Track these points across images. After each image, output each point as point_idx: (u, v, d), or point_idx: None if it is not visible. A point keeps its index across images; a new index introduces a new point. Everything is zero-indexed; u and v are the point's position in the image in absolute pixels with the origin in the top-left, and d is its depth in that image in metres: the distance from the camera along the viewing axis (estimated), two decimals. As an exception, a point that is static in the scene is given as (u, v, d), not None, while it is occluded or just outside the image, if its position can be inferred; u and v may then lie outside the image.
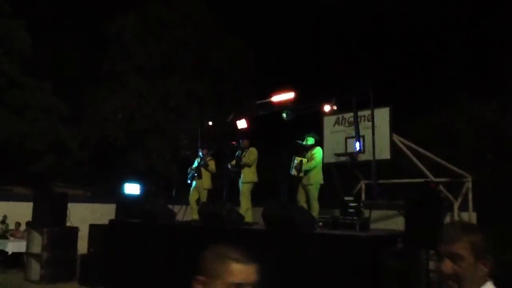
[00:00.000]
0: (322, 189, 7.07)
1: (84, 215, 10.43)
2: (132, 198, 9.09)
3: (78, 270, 8.53)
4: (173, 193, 9.10)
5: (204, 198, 8.30)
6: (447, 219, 8.34)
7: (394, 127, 7.37)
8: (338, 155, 7.64)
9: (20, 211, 10.39)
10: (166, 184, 15.50)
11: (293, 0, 19.53)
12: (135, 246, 7.72)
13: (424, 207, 5.82)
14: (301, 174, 7.01)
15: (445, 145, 13.39)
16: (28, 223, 9.54)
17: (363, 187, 9.35)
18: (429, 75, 16.41)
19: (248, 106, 8.93)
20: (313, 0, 18.99)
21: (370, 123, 6.95)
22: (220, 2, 18.07)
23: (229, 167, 7.68)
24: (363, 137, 7.15)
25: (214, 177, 8.48)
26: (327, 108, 7.52)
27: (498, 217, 4.62)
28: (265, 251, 5.69)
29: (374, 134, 6.76)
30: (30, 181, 15.43)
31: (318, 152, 7.14)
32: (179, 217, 8.38)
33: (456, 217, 8.45)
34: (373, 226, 6.95)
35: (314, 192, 6.94)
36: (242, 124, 8.44)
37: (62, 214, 8.85)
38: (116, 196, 9.45)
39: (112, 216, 9.03)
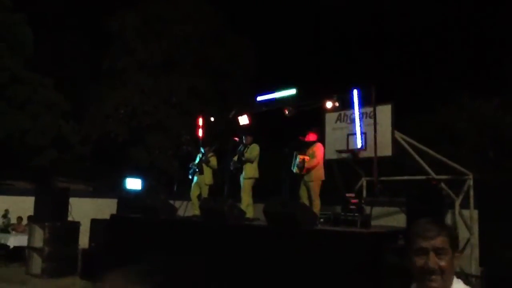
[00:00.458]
0: (324, 185, 7.07)
1: (86, 210, 10.46)
2: (133, 193, 9.11)
3: (80, 265, 8.57)
4: (175, 189, 9.10)
5: (205, 193, 8.30)
6: (448, 216, 8.35)
7: (396, 125, 7.36)
8: (339, 151, 7.63)
9: (22, 206, 10.43)
10: (168, 180, 15.53)
11: (296, -2, 19.50)
12: (137, 241, 7.74)
13: (426, 204, 5.83)
14: (304, 172, 7.00)
15: (446, 143, 13.39)
16: (29, 218, 9.57)
17: (364, 184, 9.36)
18: (431, 74, 16.40)
19: (250, 102, 8.91)
20: (315, -2, 18.96)
21: (372, 120, 6.95)
22: (221, 0, 18.06)
23: (232, 164, 7.67)
24: (365, 134, 7.15)
25: (215, 173, 8.48)
26: (329, 104, 7.50)
27: (500, 215, 4.61)
28: (266, 247, 5.72)
29: (376, 131, 6.75)
30: (32, 175, 15.48)
31: (319, 149, 7.13)
32: (180, 212, 8.39)
33: (457, 215, 8.46)
34: (374, 223, 6.96)
35: (316, 189, 6.93)
36: (244, 120, 8.43)
37: (64, 208, 8.88)
38: (118, 191, 9.47)
39: (113, 211, 9.06)
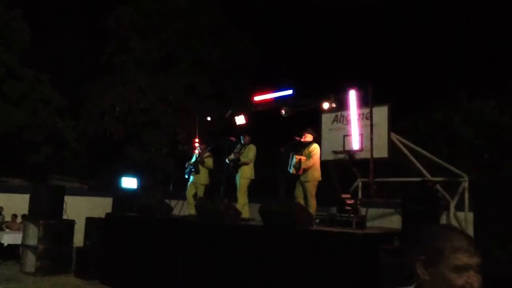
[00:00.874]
0: (319, 186, 7.07)
1: (81, 208, 10.43)
2: (129, 192, 9.08)
3: (74, 263, 8.55)
4: (170, 188, 9.08)
5: (201, 193, 8.30)
6: (443, 218, 8.37)
7: (393, 125, 7.36)
8: (336, 152, 7.62)
9: (16, 203, 10.38)
10: (164, 179, 15.49)
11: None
12: (132, 240, 7.73)
13: (421, 206, 5.84)
14: (300, 173, 7.00)
15: (443, 143, 13.42)
16: (24, 215, 9.53)
17: (360, 185, 9.36)
18: (428, 73, 16.40)
19: (246, 102, 8.89)
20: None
21: (368, 121, 6.94)
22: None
23: (227, 161, 7.67)
24: (362, 135, 7.14)
25: (211, 173, 8.47)
26: (325, 105, 7.50)
27: (495, 217, 4.62)
28: (261, 247, 5.71)
29: (372, 133, 6.75)
30: (27, 173, 15.41)
31: (316, 149, 7.13)
32: (176, 211, 8.37)
33: (452, 217, 8.48)
34: (369, 224, 6.96)
35: (312, 189, 6.93)
36: (240, 120, 8.42)
37: (59, 206, 8.86)
38: (113, 189, 9.44)
39: (108, 209, 9.03)
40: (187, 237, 6.77)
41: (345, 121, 7.62)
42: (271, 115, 8.21)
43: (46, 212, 8.63)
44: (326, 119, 8.01)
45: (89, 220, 8.66)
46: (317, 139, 7.43)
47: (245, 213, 7.30)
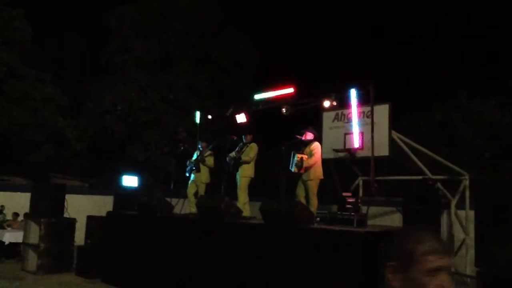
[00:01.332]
0: (321, 184, 7.08)
1: (82, 207, 10.44)
2: (130, 190, 9.09)
3: (75, 261, 8.56)
4: (171, 186, 9.08)
5: (202, 191, 8.31)
6: (444, 217, 8.38)
7: (393, 124, 7.37)
8: (336, 151, 7.63)
9: (18, 202, 10.40)
10: (165, 177, 15.51)
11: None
12: (133, 238, 7.74)
13: (422, 204, 5.86)
14: (302, 171, 7.00)
15: (444, 143, 13.42)
16: (25, 214, 9.54)
17: (361, 183, 9.37)
18: (429, 73, 16.41)
19: (247, 100, 8.90)
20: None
21: (369, 120, 6.95)
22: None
23: (227, 159, 7.68)
24: (362, 133, 7.16)
25: (212, 171, 8.48)
26: (326, 103, 7.50)
27: (496, 215, 4.63)
28: (262, 245, 5.72)
29: (373, 131, 6.76)
30: (28, 172, 15.43)
31: (317, 147, 7.13)
32: (177, 210, 8.39)
33: (453, 215, 8.49)
34: (370, 222, 6.98)
35: (314, 188, 6.93)
36: (241, 118, 8.43)
37: (60, 205, 8.86)
38: (114, 188, 9.45)
39: (109, 208, 9.04)
40: (188, 235, 6.78)
41: (346, 119, 7.64)
42: (272, 114, 8.22)
43: (47, 211, 8.64)
44: (327, 117, 8.03)
45: (90, 219, 8.67)
46: (318, 138, 7.43)
47: (246, 211, 7.31)
